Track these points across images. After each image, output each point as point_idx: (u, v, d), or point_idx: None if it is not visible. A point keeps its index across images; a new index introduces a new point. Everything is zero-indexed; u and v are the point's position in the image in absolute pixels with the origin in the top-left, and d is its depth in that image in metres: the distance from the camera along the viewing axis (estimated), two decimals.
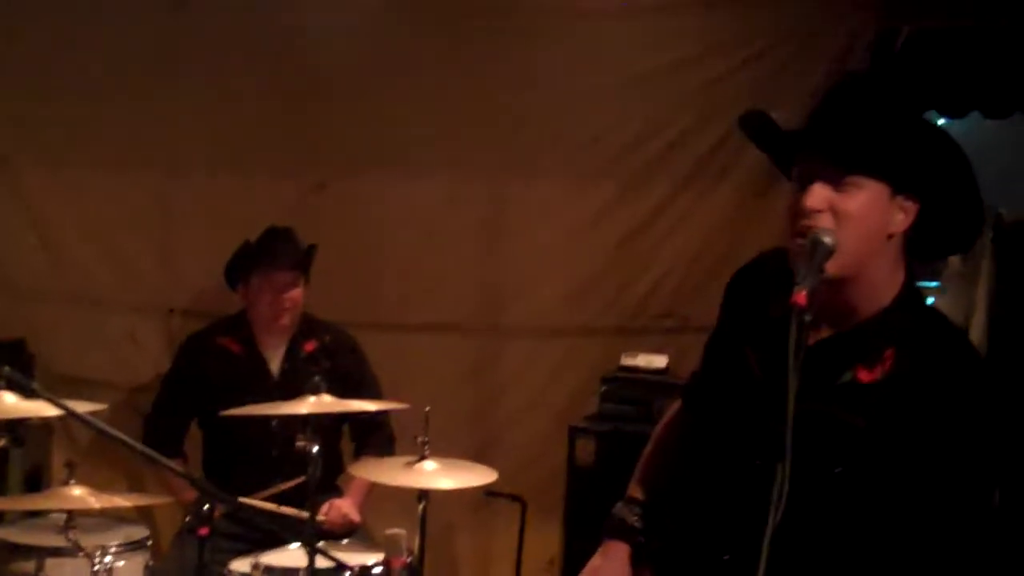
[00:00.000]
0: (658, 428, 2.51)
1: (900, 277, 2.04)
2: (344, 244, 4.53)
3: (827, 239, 1.92)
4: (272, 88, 4.61)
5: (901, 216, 1.98)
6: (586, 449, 4.23)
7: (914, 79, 4.80)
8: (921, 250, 2.06)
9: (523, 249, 4.66)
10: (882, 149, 1.95)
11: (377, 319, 4.58)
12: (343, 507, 3.87)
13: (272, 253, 4.00)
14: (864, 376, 1.97)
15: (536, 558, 4.52)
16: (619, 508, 2.42)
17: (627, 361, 4.37)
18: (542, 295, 4.66)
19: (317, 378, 3.10)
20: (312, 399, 3.06)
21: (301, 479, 3.08)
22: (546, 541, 4.45)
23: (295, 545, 3.28)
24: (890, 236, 1.99)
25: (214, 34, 4.58)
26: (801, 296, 1.84)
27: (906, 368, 1.95)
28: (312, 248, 4.11)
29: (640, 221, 4.59)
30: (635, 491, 2.44)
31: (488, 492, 4.20)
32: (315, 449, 2.89)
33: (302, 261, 4.05)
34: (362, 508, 3.99)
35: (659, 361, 4.36)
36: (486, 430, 4.65)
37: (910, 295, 2.04)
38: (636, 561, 2.36)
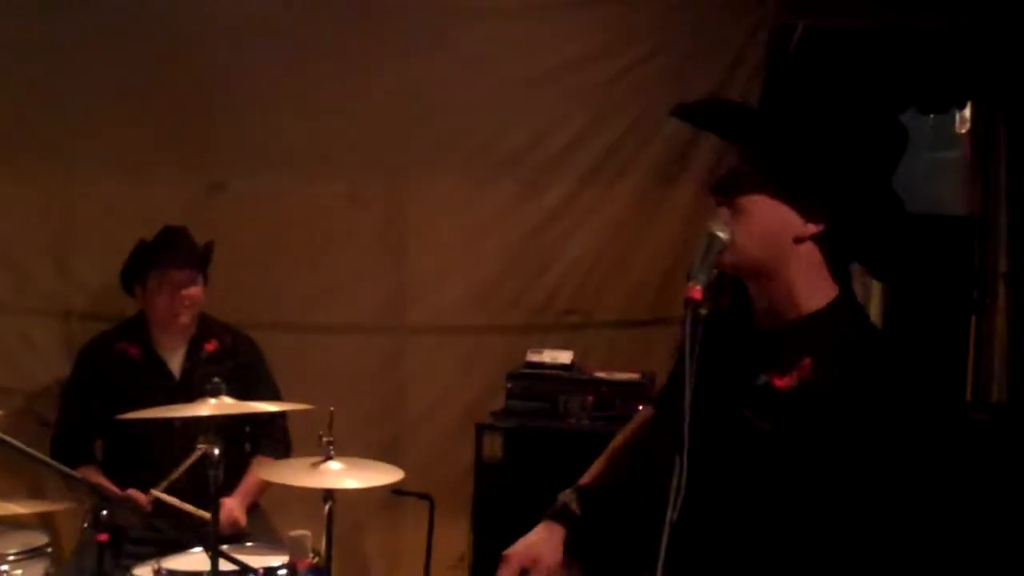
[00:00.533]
0: (627, 425, 2.51)
1: (829, 286, 2.02)
2: (244, 245, 4.48)
3: (721, 233, 1.95)
4: (169, 87, 4.52)
5: (804, 224, 1.98)
6: (493, 445, 4.24)
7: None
8: (856, 258, 2.06)
9: (426, 248, 4.67)
10: (774, 158, 1.98)
11: (280, 320, 4.55)
12: (230, 508, 3.81)
13: (169, 251, 3.97)
14: (778, 382, 1.98)
15: (445, 555, 4.51)
16: (565, 494, 2.40)
17: (532, 357, 4.39)
18: (446, 293, 4.68)
19: (216, 380, 3.05)
20: (212, 401, 3.02)
21: (196, 455, 3.02)
22: (455, 538, 4.46)
23: (198, 549, 3.24)
24: (797, 240, 1.98)
25: (111, 31, 4.48)
26: (695, 290, 1.85)
27: (821, 380, 1.94)
28: (209, 245, 4.07)
29: (542, 218, 4.64)
30: (585, 480, 2.43)
31: (395, 491, 4.17)
32: (216, 451, 2.86)
33: (199, 259, 4.02)
34: (249, 509, 3.95)
35: (564, 357, 4.39)
36: (393, 429, 4.65)
37: (843, 307, 2.03)
38: (569, 547, 2.35)
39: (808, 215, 1.98)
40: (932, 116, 5.57)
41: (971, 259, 4.67)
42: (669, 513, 1.78)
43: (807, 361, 1.97)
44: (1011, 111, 5.10)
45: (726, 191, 2.00)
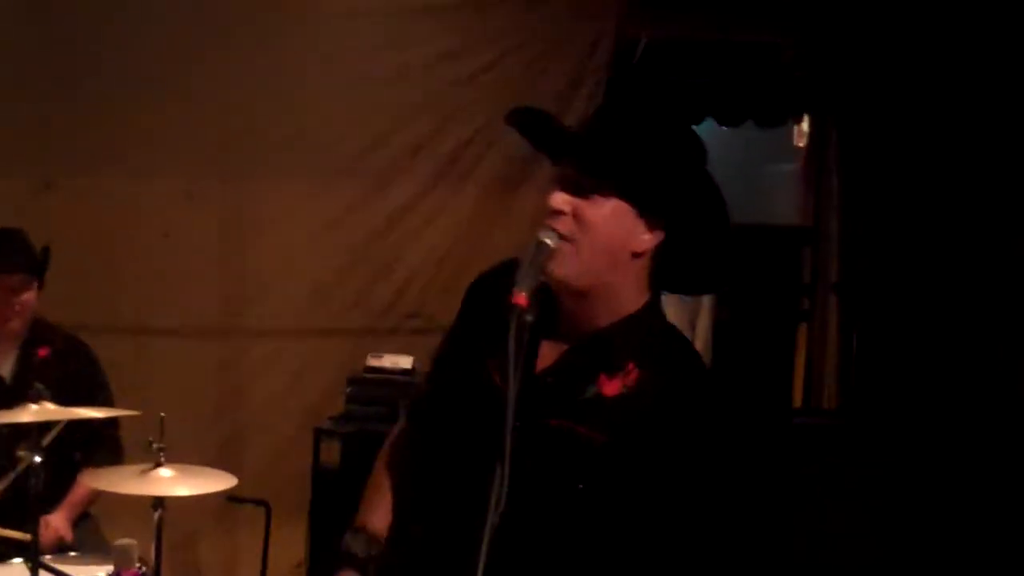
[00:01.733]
0: (383, 451, 2.32)
1: (644, 298, 2.01)
2: (76, 245, 4.32)
3: (549, 240, 1.92)
4: None
5: (647, 236, 1.95)
6: (331, 451, 4.20)
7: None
8: (670, 281, 2.04)
9: (265, 249, 4.61)
10: (628, 171, 1.94)
11: (113, 322, 4.42)
12: (54, 523, 3.67)
13: (2, 255, 3.78)
14: (608, 389, 1.95)
15: (283, 563, 4.45)
16: (347, 539, 2.24)
17: (373, 362, 4.37)
18: (285, 296, 4.62)
19: (39, 386, 2.94)
20: (34, 407, 2.91)
21: (18, 468, 2.90)
22: (292, 545, 4.41)
23: (18, 560, 3.12)
24: (635, 255, 1.96)
25: None
26: (520, 297, 1.83)
27: (648, 384, 1.94)
28: (46, 251, 3.90)
29: (385, 221, 4.63)
30: (362, 519, 2.26)
31: (231, 497, 4.11)
32: (37, 460, 2.75)
33: (35, 264, 3.85)
34: (79, 519, 3.81)
35: (405, 362, 4.38)
36: (229, 434, 4.56)
37: (652, 312, 2.02)
38: None
39: (650, 230, 1.96)
40: (768, 129, 5.73)
41: (799, 269, 4.80)
42: (490, 519, 1.75)
43: (632, 365, 1.95)
44: (842, 123, 5.27)
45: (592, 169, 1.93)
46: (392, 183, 4.61)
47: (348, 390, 4.33)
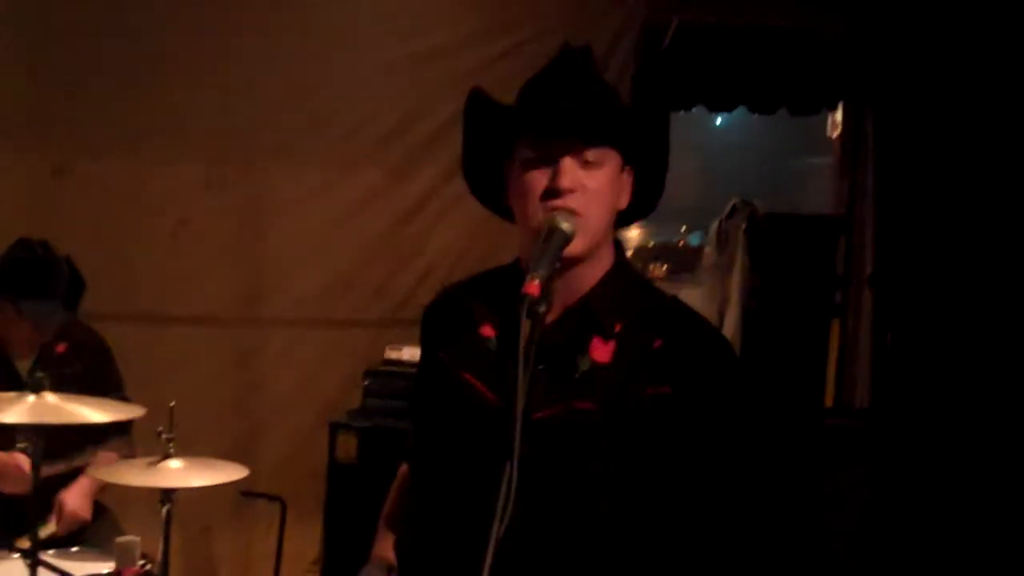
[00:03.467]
0: (393, 489, 2.37)
1: (612, 250, 1.98)
2: (92, 230, 4.25)
3: (565, 225, 1.83)
4: (12, 59, 4.28)
5: (625, 190, 1.94)
6: (347, 445, 4.09)
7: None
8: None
9: (284, 238, 4.52)
10: (617, 117, 1.92)
11: (129, 311, 4.31)
12: (67, 501, 3.53)
13: (26, 287, 3.48)
14: (601, 355, 1.87)
15: (298, 559, 4.38)
16: (365, 570, 2.28)
17: (392, 354, 4.24)
18: (304, 285, 4.52)
19: (40, 374, 2.81)
20: (31, 399, 2.77)
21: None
22: (307, 542, 4.32)
23: (17, 555, 3.02)
24: (619, 211, 1.95)
25: None
26: (533, 286, 1.73)
27: (637, 341, 1.88)
28: (80, 281, 3.70)
29: (406, 210, 4.53)
30: (383, 551, 2.28)
31: (246, 492, 4.03)
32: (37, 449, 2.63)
33: (72, 300, 3.66)
34: (97, 513, 3.69)
35: None
36: (244, 427, 4.48)
37: (624, 265, 1.99)
38: None
39: (625, 182, 1.94)
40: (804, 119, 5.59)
41: (833, 261, 4.64)
42: (496, 527, 1.63)
43: (619, 325, 1.89)
44: (879, 112, 5.13)
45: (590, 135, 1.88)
46: (413, 172, 4.50)
47: (366, 383, 4.21)
